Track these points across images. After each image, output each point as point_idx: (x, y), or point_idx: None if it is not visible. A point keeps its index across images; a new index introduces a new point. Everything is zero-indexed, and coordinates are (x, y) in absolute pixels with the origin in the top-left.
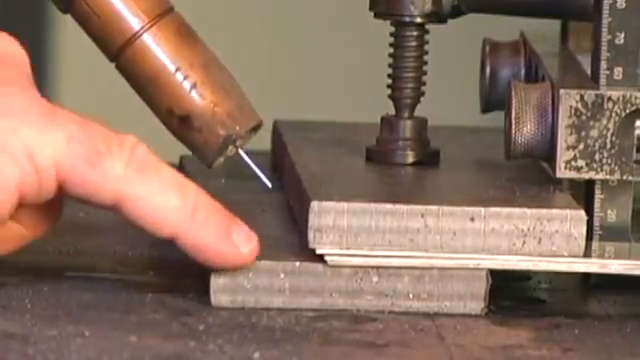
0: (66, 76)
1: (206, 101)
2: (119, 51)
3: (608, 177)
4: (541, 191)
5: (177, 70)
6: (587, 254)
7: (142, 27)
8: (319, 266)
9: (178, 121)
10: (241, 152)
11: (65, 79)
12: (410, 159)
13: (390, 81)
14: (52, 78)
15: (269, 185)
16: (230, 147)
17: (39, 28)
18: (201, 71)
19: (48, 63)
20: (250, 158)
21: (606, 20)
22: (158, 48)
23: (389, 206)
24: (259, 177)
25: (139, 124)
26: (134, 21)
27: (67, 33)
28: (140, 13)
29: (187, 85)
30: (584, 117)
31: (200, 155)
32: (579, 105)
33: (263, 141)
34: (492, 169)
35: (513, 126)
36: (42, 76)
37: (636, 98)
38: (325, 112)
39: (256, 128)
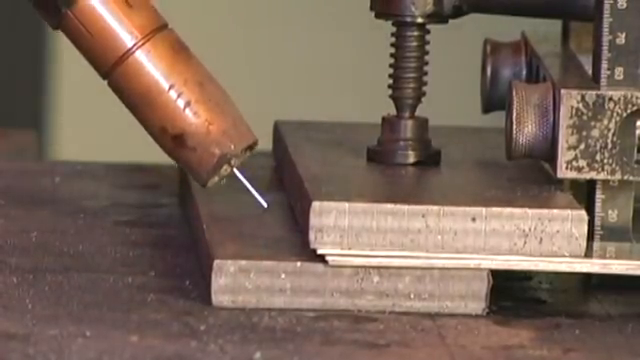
0: (66, 76)
1: (200, 119)
2: (112, 68)
3: (609, 177)
4: (542, 191)
5: (171, 87)
6: (588, 254)
7: (135, 44)
8: (320, 266)
9: (172, 140)
10: (236, 171)
11: (65, 79)
12: (411, 159)
13: (391, 81)
14: (52, 78)
15: (264, 205)
16: (225, 166)
17: (39, 28)
18: (195, 88)
19: (48, 63)
20: (245, 177)
21: (607, 20)
22: (151, 65)
23: (390, 206)
24: (254, 197)
25: (140, 125)
26: (127, 37)
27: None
28: (133, 29)
29: (181, 103)
30: (585, 117)
31: (194, 174)
32: (580, 105)
33: (264, 141)
34: (493, 169)
35: (514, 126)
36: (42, 76)
37: (637, 98)
38: (326, 112)
39: (251, 147)
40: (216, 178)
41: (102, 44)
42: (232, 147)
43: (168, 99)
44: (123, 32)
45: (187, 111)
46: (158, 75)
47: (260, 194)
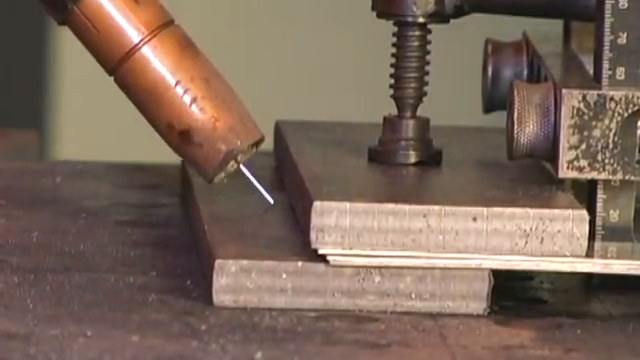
0: (67, 76)
1: (207, 115)
2: (118, 64)
3: (610, 177)
4: (543, 191)
5: (177, 83)
6: (589, 254)
7: (142, 39)
8: (321, 266)
9: (178, 136)
10: (242, 167)
11: (66, 79)
12: (412, 159)
13: (392, 81)
14: (53, 77)
15: (271, 201)
16: (231, 162)
17: (40, 28)
18: (202, 85)
19: (49, 63)
20: (251, 173)
21: (608, 20)
22: (158, 61)
23: (391, 206)
24: (260, 193)
25: (141, 125)
26: (133, 33)
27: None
28: (140, 25)
29: (187, 99)
30: (586, 117)
31: (200, 170)
32: (581, 105)
33: (265, 141)
34: (494, 169)
35: (515, 126)
36: (43, 76)
37: (638, 98)
38: (327, 112)
39: (258, 143)
40: (222, 174)
41: (108, 40)
42: (239, 143)
43: (174, 95)
44: (130, 28)
45: (193, 107)
46: (164, 71)
47: (266, 190)
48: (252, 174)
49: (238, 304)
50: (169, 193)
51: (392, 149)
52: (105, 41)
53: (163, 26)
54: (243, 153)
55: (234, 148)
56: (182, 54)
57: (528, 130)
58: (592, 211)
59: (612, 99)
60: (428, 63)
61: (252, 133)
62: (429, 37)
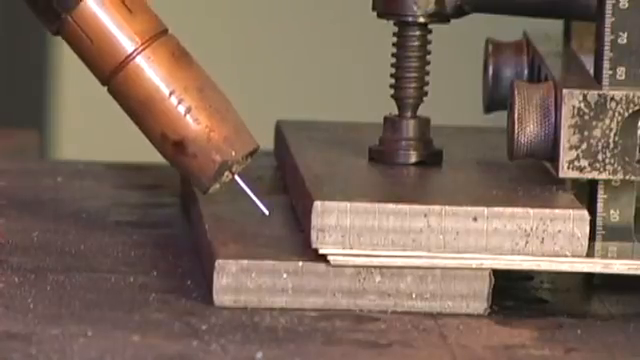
0: (68, 76)
1: (201, 126)
2: (112, 74)
3: (611, 177)
4: (544, 191)
5: (171, 94)
6: (590, 254)
7: (135, 49)
8: (322, 266)
9: (172, 146)
10: (237, 178)
11: (67, 79)
12: (413, 159)
13: (393, 81)
14: (54, 78)
15: (266, 212)
16: (226, 173)
17: (41, 28)
18: (196, 95)
19: (50, 63)
20: (246, 183)
21: (609, 20)
22: (152, 71)
23: (392, 206)
24: (255, 204)
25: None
26: (127, 43)
27: None
28: (134, 35)
29: (182, 109)
30: (587, 117)
31: (195, 181)
32: (582, 105)
33: (265, 141)
34: (495, 169)
35: (516, 126)
36: (44, 76)
37: (639, 98)
38: (328, 112)
39: (252, 153)
40: (217, 185)
41: (102, 50)
42: (233, 154)
43: (168, 106)
44: (123, 38)
45: (188, 118)
46: (158, 81)
47: (261, 200)
48: (247, 185)
49: (239, 304)
50: (170, 193)
51: (392, 149)
52: (99, 51)
53: (157, 36)
54: (238, 163)
55: (229, 159)
56: (176, 64)
57: (529, 130)
58: (593, 211)
59: (613, 99)
60: (428, 63)
61: (247, 143)
62: (429, 37)
